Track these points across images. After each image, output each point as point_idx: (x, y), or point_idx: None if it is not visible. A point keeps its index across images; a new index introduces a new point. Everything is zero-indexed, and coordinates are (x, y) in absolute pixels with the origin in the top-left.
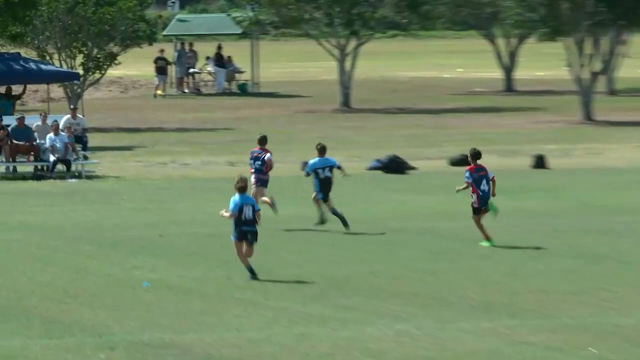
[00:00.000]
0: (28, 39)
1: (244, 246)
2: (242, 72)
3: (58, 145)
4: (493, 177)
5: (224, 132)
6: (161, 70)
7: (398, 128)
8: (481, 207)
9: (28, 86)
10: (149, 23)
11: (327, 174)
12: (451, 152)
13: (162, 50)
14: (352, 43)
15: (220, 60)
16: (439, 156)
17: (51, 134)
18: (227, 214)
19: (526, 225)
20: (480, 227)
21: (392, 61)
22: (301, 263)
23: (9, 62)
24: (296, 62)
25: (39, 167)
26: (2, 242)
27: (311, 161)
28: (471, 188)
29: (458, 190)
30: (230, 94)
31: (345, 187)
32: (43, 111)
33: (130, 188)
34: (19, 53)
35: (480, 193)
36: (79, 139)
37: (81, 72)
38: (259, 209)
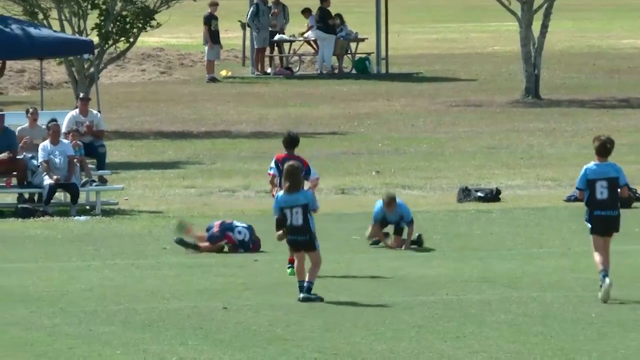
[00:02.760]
0: None
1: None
2: (360, 41)
3: (57, 160)
4: (317, 179)
5: (332, 140)
6: (216, 37)
7: (620, 132)
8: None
9: (8, 63)
10: None
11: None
12: None
13: (214, 4)
14: None
15: (325, 22)
16: None
17: (46, 143)
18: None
19: None
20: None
21: (608, 22)
22: (457, 354)
23: None
24: (450, 24)
25: (26, 196)
26: None
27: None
28: (276, 186)
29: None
30: (342, 75)
31: (529, 230)
32: (32, 105)
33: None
34: None
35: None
36: (92, 149)
37: (96, 39)
38: (316, 208)
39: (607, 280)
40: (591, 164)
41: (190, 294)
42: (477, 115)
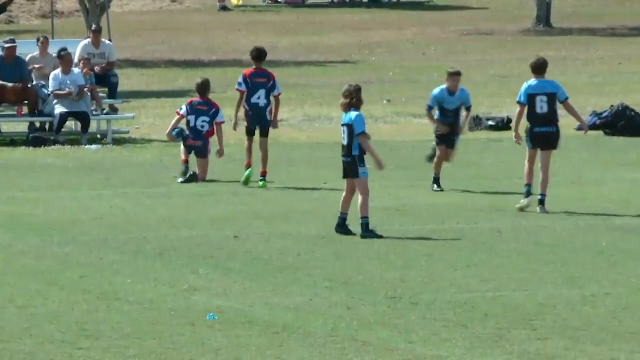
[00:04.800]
0: None
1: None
2: None
3: (68, 89)
4: (278, 94)
5: (342, 68)
6: None
7: (631, 59)
8: (253, 127)
9: None
10: None
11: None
12: None
13: None
14: None
15: None
16: None
17: (57, 71)
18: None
19: None
20: (248, 152)
21: None
22: (467, 283)
23: None
24: None
25: (37, 124)
26: None
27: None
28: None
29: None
30: (353, 4)
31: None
32: (43, 33)
33: None
34: None
35: (247, 108)
36: (103, 79)
37: None
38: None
39: (529, 199)
40: (531, 80)
41: (201, 223)
42: (488, 43)
